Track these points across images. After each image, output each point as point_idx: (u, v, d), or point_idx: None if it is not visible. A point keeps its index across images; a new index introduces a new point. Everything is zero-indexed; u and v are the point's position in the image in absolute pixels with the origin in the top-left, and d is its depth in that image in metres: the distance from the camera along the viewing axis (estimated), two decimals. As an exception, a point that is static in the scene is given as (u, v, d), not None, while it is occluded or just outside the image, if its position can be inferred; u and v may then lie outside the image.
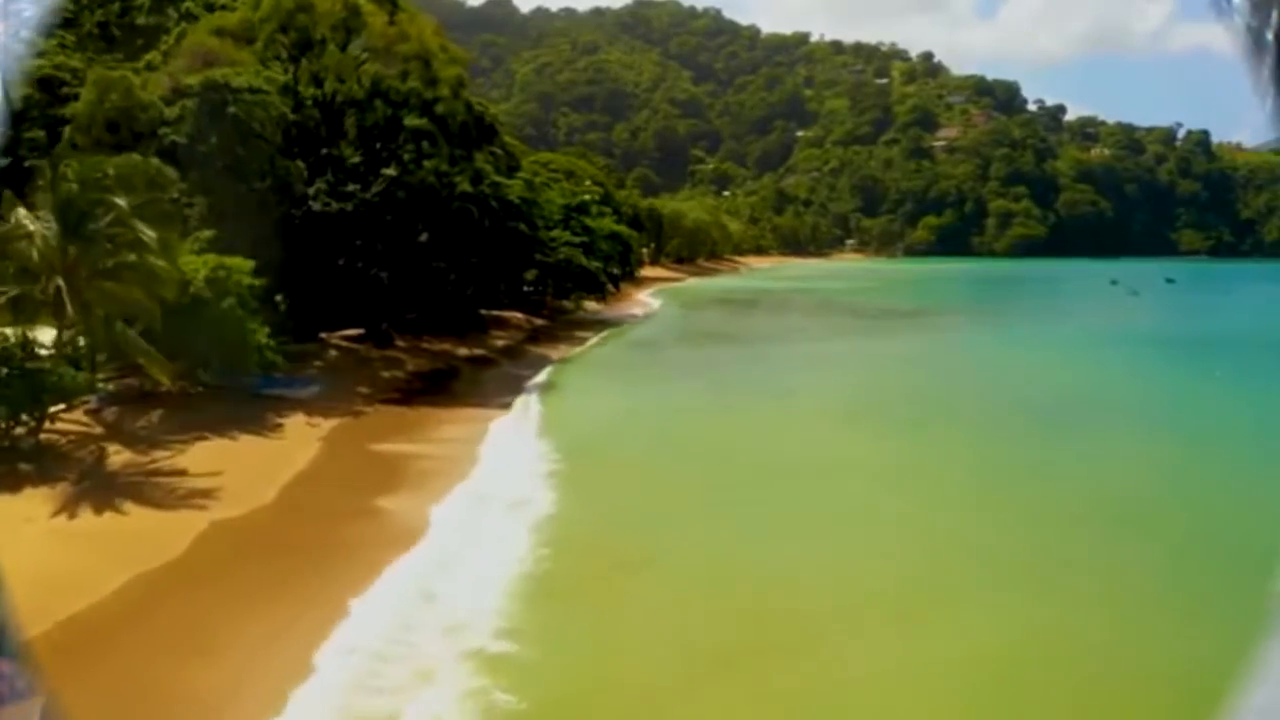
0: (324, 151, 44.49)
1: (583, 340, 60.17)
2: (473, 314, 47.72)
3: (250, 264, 30.86)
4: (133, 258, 23.10)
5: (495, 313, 56.66)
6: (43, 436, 25.11)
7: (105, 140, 38.66)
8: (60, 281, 22.82)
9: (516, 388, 40.08)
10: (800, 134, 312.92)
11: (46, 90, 44.08)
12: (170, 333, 28.94)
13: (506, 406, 35.68)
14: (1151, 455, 30.34)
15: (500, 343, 53.48)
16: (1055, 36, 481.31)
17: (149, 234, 22.98)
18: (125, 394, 30.15)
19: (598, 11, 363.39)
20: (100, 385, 30.42)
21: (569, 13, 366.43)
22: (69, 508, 21.00)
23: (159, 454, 25.62)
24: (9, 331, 23.80)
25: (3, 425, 23.72)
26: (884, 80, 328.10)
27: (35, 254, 22.86)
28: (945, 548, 21.16)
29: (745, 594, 18.23)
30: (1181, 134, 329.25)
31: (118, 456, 25.26)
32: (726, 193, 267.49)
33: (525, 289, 64.68)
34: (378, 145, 42.46)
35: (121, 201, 23.05)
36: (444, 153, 42.95)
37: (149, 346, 24.54)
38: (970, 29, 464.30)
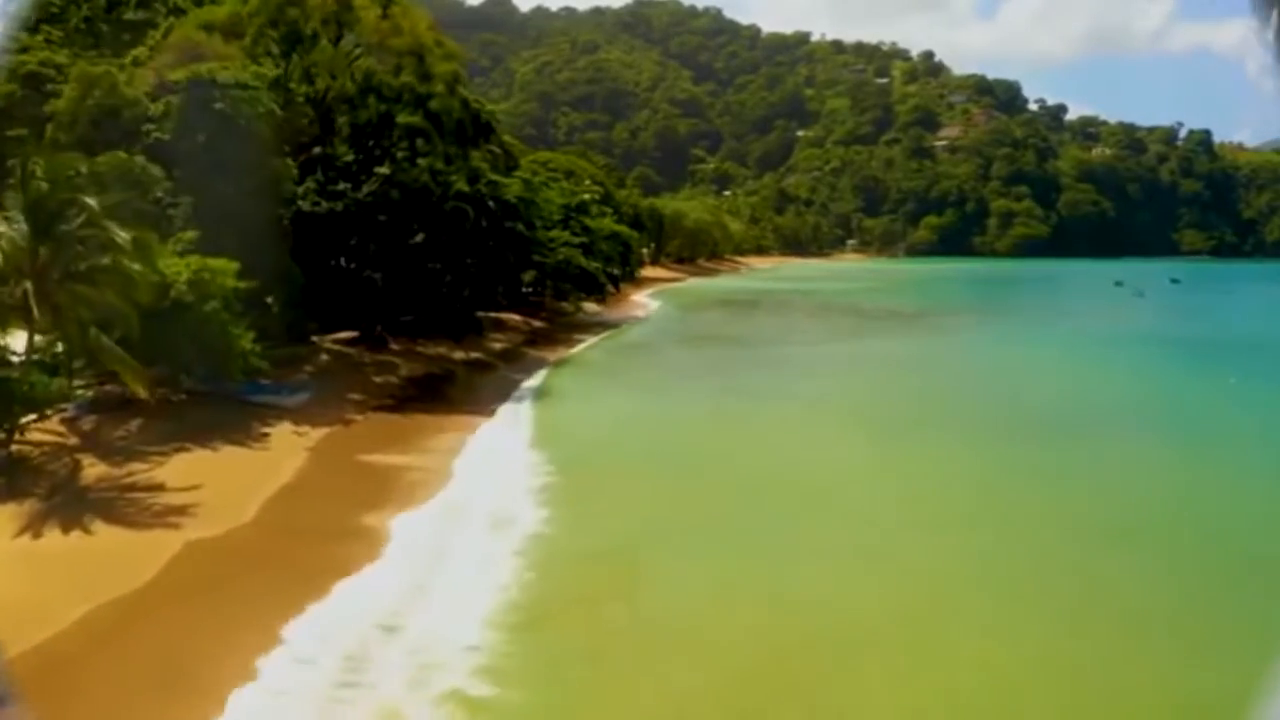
0: (316, 150, 43.29)
1: (581, 343, 58.94)
2: (469, 316, 46.34)
3: (234, 266, 29.58)
4: (105, 260, 21.85)
5: (493, 315, 55.39)
6: (14, 448, 23.84)
7: (89, 138, 37.51)
8: (29, 285, 21.58)
9: (512, 394, 38.85)
10: (801, 133, 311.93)
11: (32, 87, 42.85)
12: (151, 337, 27.71)
13: (500, 414, 34.38)
14: (1174, 467, 29.08)
15: (498, 346, 52.22)
16: (1055, 36, 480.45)
17: (122, 235, 21.73)
18: (104, 401, 28.87)
19: (598, 10, 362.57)
20: (79, 392, 29.21)
21: (569, 12, 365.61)
22: (34, 526, 19.75)
23: (136, 466, 24.36)
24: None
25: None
26: (885, 80, 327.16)
27: (3, 256, 21.64)
28: (959, 570, 19.84)
29: (749, 624, 16.93)
30: (1183, 133, 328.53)
31: (92, 469, 24.00)
32: (727, 192, 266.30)
33: (524, 290, 63.44)
34: (370, 143, 41.19)
35: (93, 201, 21.79)
36: (439, 150, 41.66)
37: (124, 354, 23.26)
38: (970, 29, 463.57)
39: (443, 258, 43.06)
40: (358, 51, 43.08)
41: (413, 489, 24.19)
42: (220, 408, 29.80)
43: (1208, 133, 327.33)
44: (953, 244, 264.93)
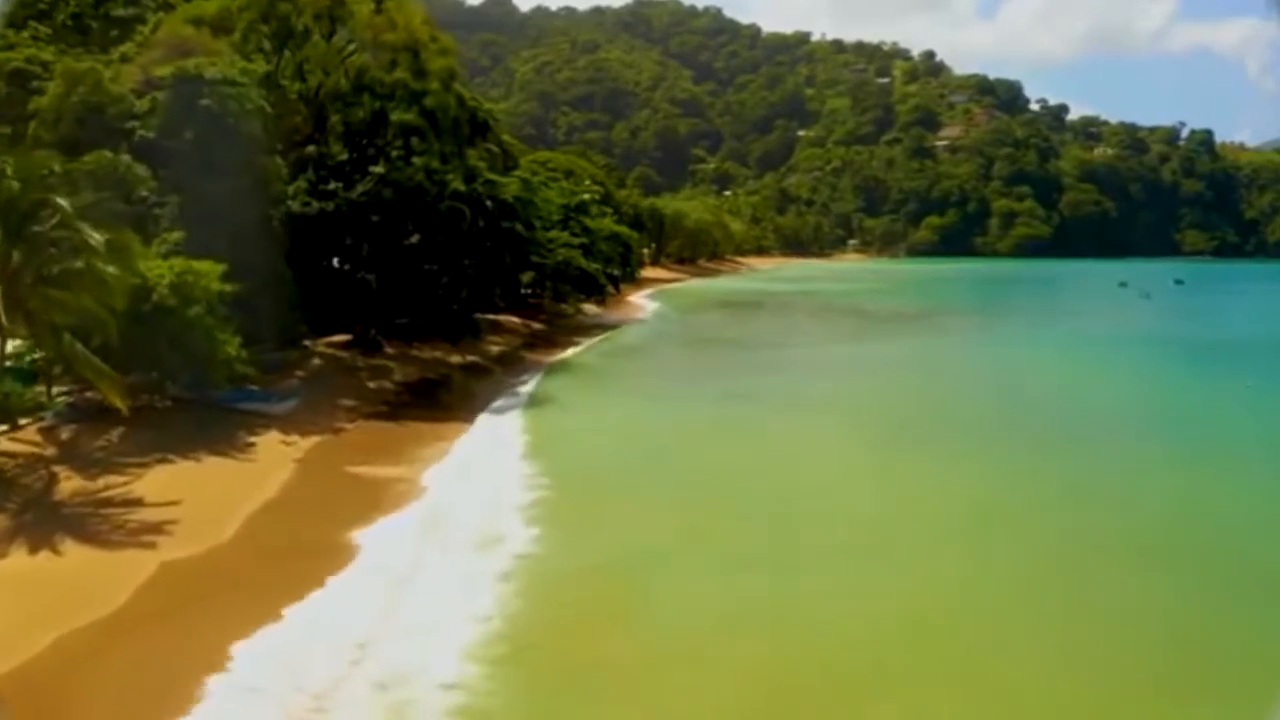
0: (309, 148, 42.13)
1: (580, 346, 57.84)
2: (466, 318, 45.17)
3: (220, 268, 28.43)
4: (79, 264, 20.72)
5: (491, 317, 54.27)
6: (-14, 460, 22.76)
7: (75, 136, 36.40)
8: (-1, 289, 20.47)
9: (507, 401, 37.69)
10: (801, 133, 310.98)
11: (17, 84, 41.76)
12: (132, 343, 26.60)
13: (494, 423, 33.18)
14: (1200, 476, 27.82)
15: (495, 349, 51.10)
16: (1056, 36, 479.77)
17: (95, 237, 20.60)
18: (85, 409, 27.75)
19: (598, 10, 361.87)
20: (58, 400, 28.12)
21: (569, 11, 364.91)
22: (2, 547, 18.62)
23: (113, 479, 23.24)
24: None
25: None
26: (885, 79, 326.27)
27: (-29, 260, 20.53)
28: (980, 594, 18.57)
29: (756, 656, 15.64)
30: (1185, 133, 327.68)
31: (68, 483, 22.88)
32: (728, 192, 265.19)
33: (523, 292, 62.29)
34: (364, 141, 40.01)
35: (65, 202, 20.66)
36: (435, 149, 40.43)
37: (99, 362, 22.12)
38: (971, 29, 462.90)
39: (439, 259, 41.89)
40: (351, 48, 41.89)
41: (398, 503, 23.01)
42: (206, 416, 28.69)
43: (1209, 133, 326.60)
44: (954, 244, 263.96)
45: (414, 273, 41.29)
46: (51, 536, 19.08)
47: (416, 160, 39.86)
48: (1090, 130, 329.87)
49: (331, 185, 37.70)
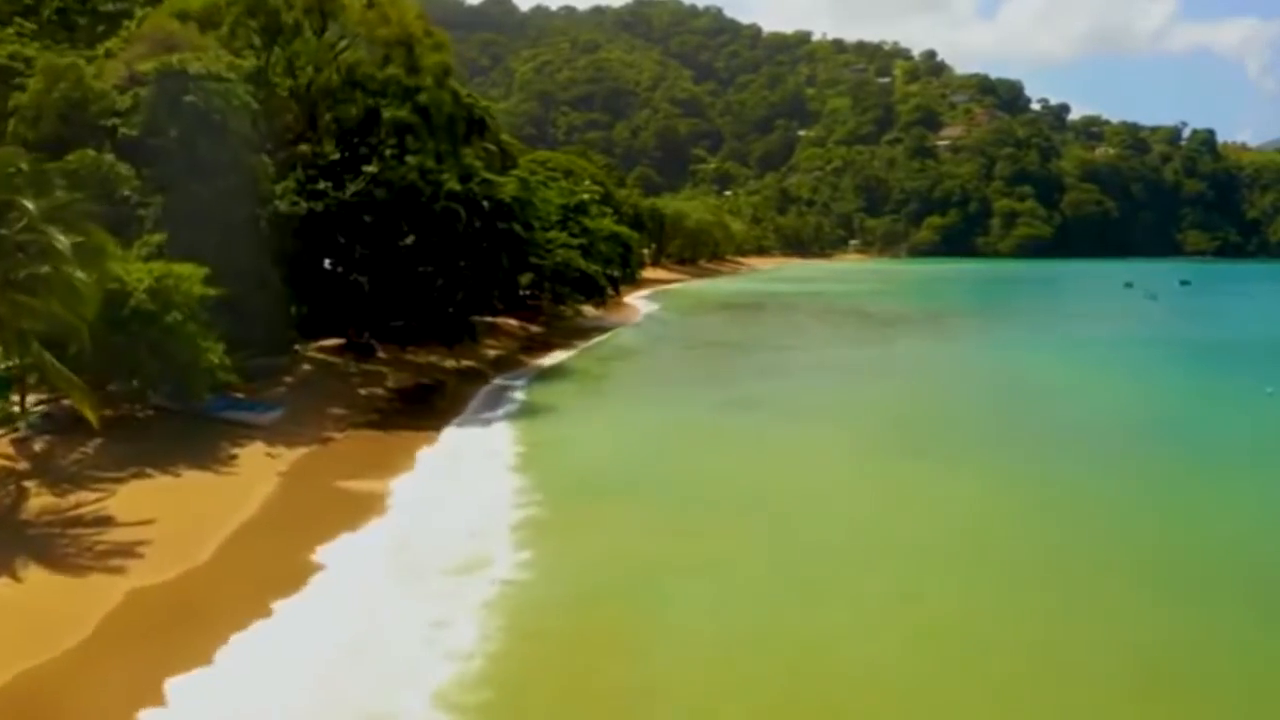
0: (302, 147, 40.91)
1: (578, 350, 56.59)
2: (463, 321, 43.89)
3: (202, 271, 27.16)
4: (46, 268, 19.49)
5: (488, 319, 53.01)
6: (-48, 475, 21.53)
7: (57, 134, 35.17)
8: (-40, 296, 19.24)
9: (501, 408, 36.37)
10: (802, 133, 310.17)
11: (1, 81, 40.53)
12: (110, 350, 25.40)
13: (486, 432, 31.84)
14: (1234, 493, 26.45)
15: (492, 353, 49.84)
16: (1056, 36, 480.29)
17: (62, 241, 19.36)
18: (62, 419, 26.48)
19: (598, 10, 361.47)
20: (34, 410, 26.85)
21: (569, 11, 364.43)
22: (-41, 572, 17.36)
23: (85, 495, 21.99)
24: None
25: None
26: (886, 79, 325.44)
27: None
28: (1007, 629, 17.00)
29: (764, 701, 14.37)
30: (1187, 133, 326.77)
31: (37, 499, 21.62)
32: (728, 192, 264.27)
33: (521, 293, 61.01)
34: (355, 140, 38.75)
35: (30, 204, 19.42)
36: (429, 148, 39.17)
37: (68, 372, 20.88)
38: (972, 29, 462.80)
39: (434, 260, 40.62)
40: (343, 43, 40.64)
41: (373, 521, 21.73)
42: (188, 426, 27.43)
43: (1211, 132, 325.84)
44: (955, 244, 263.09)
45: (408, 275, 40.05)
46: (13, 560, 17.80)
47: (410, 159, 38.63)
48: (1092, 130, 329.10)
49: (321, 185, 36.41)
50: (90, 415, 20.87)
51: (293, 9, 37.77)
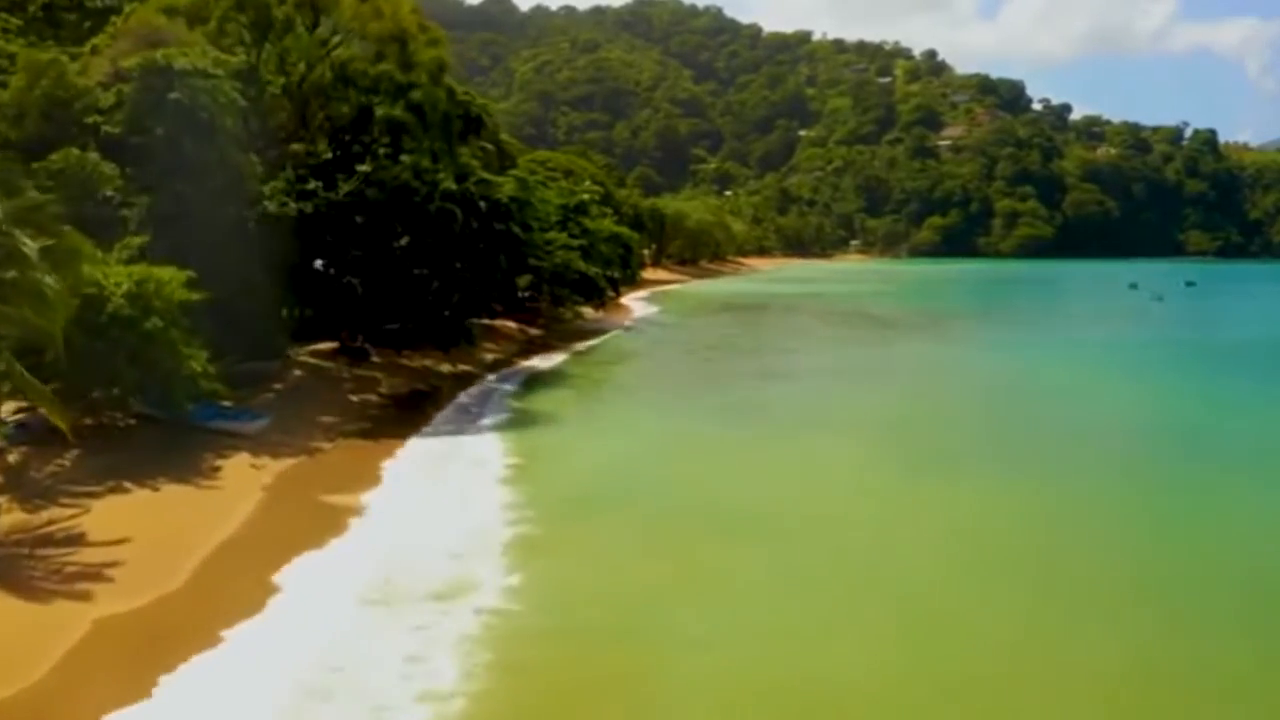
0: (294, 146, 39.80)
1: (577, 352, 55.49)
2: (459, 324, 42.76)
3: (184, 275, 26.04)
4: (12, 273, 18.40)
5: (486, 322, 51.91)
6: (-83, 491, 20.40)
7: (41, 132, 34.12)
8: (-77, 302, 18.13)
9: (497, 415, 35.19)
10: (803, 133, 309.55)
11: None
12: (89, 358, 24.29)
13: (479, 441, 30.61)
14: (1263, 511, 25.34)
15: (490, 356, 48.74)
16: (1057, 36, 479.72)
17: (29, 244, 18.26)
18: (38, 429, 25.31)
19: (598, 9, 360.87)
20: (8, 420, 25.71)
21: (569, 11, 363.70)
22: (-87, 598, 16.24)
23: (59, 512, 20.84)
24: None
25: None
26: (887, 79, 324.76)
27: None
28: (1039, 665, 15.85)
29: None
30: (1188, 133, 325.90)
31: (8, 516, 20.46)
32: (729, 192, 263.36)
33: (520, 296, 59.89)
34: (348, 138, 37.64)
35: (-6, 206, 18.33)
36: (424, 146, 38.06)
37: (37, 382, 19.78)
38: (972, 28, 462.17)
39: (429, 262, 39.50)
40: (335, 39, 39.52)
41: (362, 539, 20.58)
42: (171, 436, 26.29)
43: (1213, 132, 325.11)
44: (956, 245, 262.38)
45: (403, 277, 38.92)
46: (-27, 586, 16.69)
47: (405, 158, 37.50)
48: (1093, 130, 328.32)
49: (312, 184, 35.29)
50: (63, 426, 19.77)
51: (284, 4, 36.67)
